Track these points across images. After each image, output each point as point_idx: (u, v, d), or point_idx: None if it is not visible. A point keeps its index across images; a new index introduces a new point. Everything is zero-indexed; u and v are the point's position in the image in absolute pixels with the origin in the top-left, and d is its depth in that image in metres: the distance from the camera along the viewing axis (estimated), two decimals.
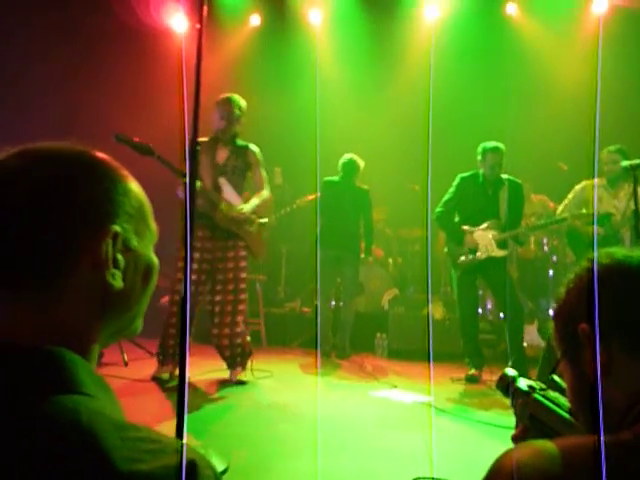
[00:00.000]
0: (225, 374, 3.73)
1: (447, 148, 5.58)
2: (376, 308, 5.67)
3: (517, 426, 1.06)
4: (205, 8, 2.13)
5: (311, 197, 5.59)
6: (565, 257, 5.55)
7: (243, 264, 3.71)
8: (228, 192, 3.67)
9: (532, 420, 1.01)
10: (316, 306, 5.08)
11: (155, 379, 3.52)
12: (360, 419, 3.16)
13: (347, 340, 4.94)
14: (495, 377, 3.67)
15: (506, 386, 1.15)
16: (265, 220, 3.93)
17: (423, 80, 5.32)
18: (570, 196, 4.41)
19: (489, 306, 5.55)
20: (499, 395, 3.42)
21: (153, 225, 0.71)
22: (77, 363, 0.57)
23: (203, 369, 3.83)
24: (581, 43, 5.56)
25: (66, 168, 0.63)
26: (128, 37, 5.62)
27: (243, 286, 3.71)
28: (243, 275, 3.71)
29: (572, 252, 4.92)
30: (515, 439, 1.01)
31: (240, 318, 3.68)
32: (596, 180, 4.33)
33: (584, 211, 4.19)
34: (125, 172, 0.68)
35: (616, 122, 4.99)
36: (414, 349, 4.90)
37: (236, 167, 3.72)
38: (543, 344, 4.71)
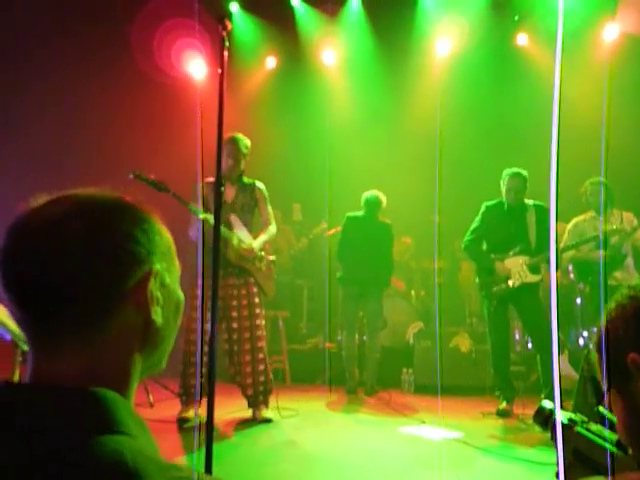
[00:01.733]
0: (248, 413, 3.69)
1: (465, 178, 5.60)
2: (400, 342, 5.58)
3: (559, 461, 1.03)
4: (226, 53, 2.20)
5: (331, 231, 5.62)
6: (586, 286, 5.45)
7: (257, 300, 3.71)
8: (239, 228, 3.71)
9: (576, 454, 0.97)
10: (339, 341, 5.04)
11: (180, 420, 3.49)
12: (389, 457, 3.08)
13: (374, 376, 4.85)
14: (527, 410, 3.59)
15: (545, 419, 1.11)
16: (273, 258, 3.96)
17: (436, 113, 5.40)
18: (565, 236, 4.53)
19: (517, 337, 5.42)
20: (533, 429, 3.32)
21: (177, 262, 0.74)
22: (118, 403, 0.59)
23: (227, 409, 3.78)
24: (593, 71, 5.59)
25: (107, 213, 0.66)
26: (150, 81, 5.83)
27: (259, 322, 3.70)
28: (258, 311, 3.70)
29: (578, 279, 4.93)
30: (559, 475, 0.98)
31: (260, 355, 3.65)
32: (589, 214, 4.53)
33: (614, 227, 4.27)
34: (155, 213, 0.71)
35: (628, 149, 4.98)
36: (442, 384, 4.79)
37: (244, 204, 3.77)
38: (574, 374, 4.59)
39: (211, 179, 3.57)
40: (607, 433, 0.95)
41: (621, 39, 5.67)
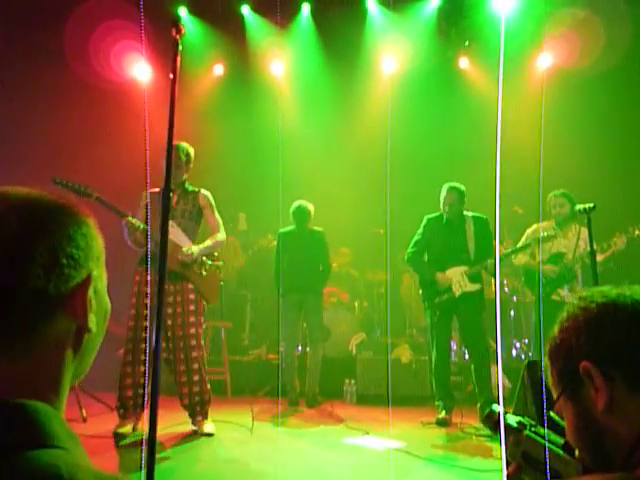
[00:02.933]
0: (188, 426, 3.58)
1: (409, 192, 5.75)
2: (343, 353, 5.62)
3: (508, 464, 1.05)
4: (178, 59, 2.14)
5: (274, 243, 5.61)
6: (525, 297, 5.72)
7: (192, 308, 3.58)
8: (176, 234, 3.57)
9: (525, 457, 1.01)
10: (280, 352, 5.00)
11: (117, 435, 3.32)
12: (334, 468, 3.07)
13: (316, 387, 4.85)
14: (465, 419, 3.70)
15: (495, 423, 1.15)
16: (219, 263, 3.82)
17: (383, 128, 5.55)
18: (523, 239, 4.64)
19: (454, 347, 5.60)
20: (472, 438, 3.43)
21: (105, 269, 0.72)
22: (50, 415, 0.56)
23: (168, 422, 3.66)
24: (528, 95, 5.94)
25: (47, 213, 0.62)
26: (90, 88, 5.63)
27: (193, 331, 3.56)
28: (192, 319, 3.57)
29: (530, 291, 5.10)
30: (509, 477, 1.00)
31: (195, 366, 3.54)
32: (545, 223, 4.60)
33: (545, 234, 4.36)
34: (92, 217, 0.69)
35: (562, 166, 5.32)
36: (383, 394, 4.86)
37: (186, 211, 3.68)
38: (507, 383, 4.78)
39: (155, 189, 3.56)
40: (554, 437, 0.99)
41: (554, 68, 6.06)
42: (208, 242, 3.72)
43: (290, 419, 4.32)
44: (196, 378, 3.54)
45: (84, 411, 3.83)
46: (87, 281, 0.63)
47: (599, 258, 4.41)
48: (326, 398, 4.86)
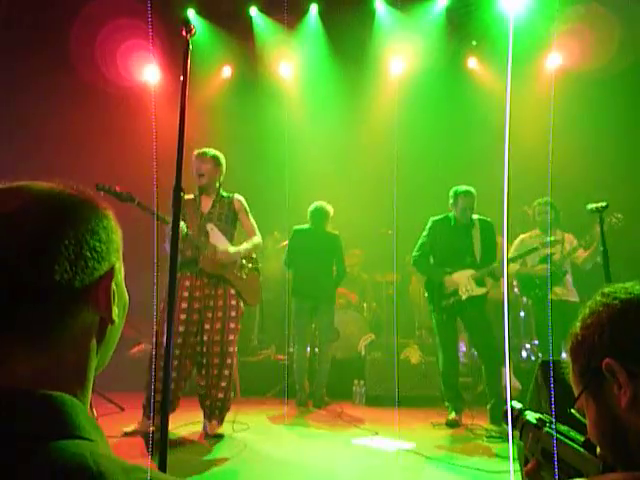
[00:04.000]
0: (199, 427, 3.59)
1: (417, 192, 5.74)
2: (352, 354, 5.61)
3: (527, 461, 1.03)
4: (188, 61, 2.14)
5: (284, 243, 5.60)
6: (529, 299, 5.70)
7: (233, 314, 3.56)
8: (216, 236, 3.59)
9: (545, 455, 0.99)
10: (290, 353, 5.00)
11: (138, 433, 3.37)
12: (343, 468, 3.07)
13: (324, 388, 4.84)
14: (475, 421, 3.68)
15: (513, 420, 1.13)
16: (258, 265, 3.84)
17: (391, 128, 5.54)
18: (512, 250, 4.75)
19: (463, 348, 5.57)
20: (482, 439, 3.41)
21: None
22: (76, 407, 0.57)
23: (180, 422, 3.67)
24: (536, 95, 5.90)
25: (70, 207, 0.63)
26: (98, 89, 5.66)
27: (232, 337, 3.55)
28: (232, 325, 3.55)
29: (526, 297, 5.16)
30: (528, 474, 0.99)
31: (226, 372, 3.52)
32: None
33: (552, 238, 4.47)
34: (111, 210, 0.70)
35: (572, 167, 5.29)
36: (392, 395, 4.84)
37: (222, 214, 3.68)
38: (518, 385, 4.75)
39: (190, 196, 3.62)
40: (574, 434, 0.97)
41: (563, 68, 6.02)
42: (245, 245, 3.71)
43: (299, 420, 4.32)
44: (224, 384, 3.52)
45: (94, 411, 3.85)
46: (110, 273, 0.64)
47: (583, 254, 4.50)
48: (335, 399, 4.86)
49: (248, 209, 3.80)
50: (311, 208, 4.92)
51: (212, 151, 3.69)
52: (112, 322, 0.65)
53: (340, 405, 4.72)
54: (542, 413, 1.11)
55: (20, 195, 0.61)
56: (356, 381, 5.05)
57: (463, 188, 4.28)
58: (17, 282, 0.57)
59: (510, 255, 4.68)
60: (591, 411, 0.81)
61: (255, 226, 3.83)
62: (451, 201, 4.32)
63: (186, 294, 3.49)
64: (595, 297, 0.83)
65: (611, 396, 0.76)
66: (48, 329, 0.59)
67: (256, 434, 3.71)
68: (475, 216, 4.35)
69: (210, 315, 3.53)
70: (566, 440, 0.95)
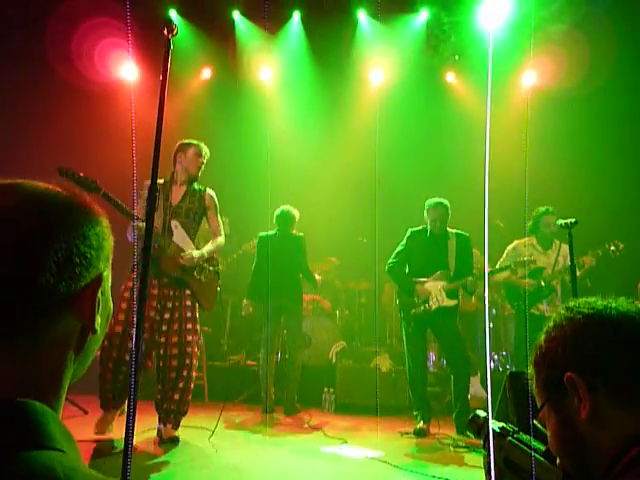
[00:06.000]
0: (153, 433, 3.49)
1: (394, 202, 5.78)
2: (323, 361, 5.60)
3: (489, 467, 1.05)
4: (169, 60, 2.11)
5: (246, 245, 5.58)
6: (504, 310, 5.79)
7: (189, 314, 3.46)
8: (179, 236, 3.47)
9: (507, 463, 1.02)
10: (258, 359, 4.95)
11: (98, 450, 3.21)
12: (312, 476, 3.05)
13: (295, 395, 4.81)
14: (443, 430, 3.71)
15: (478, 428, 1.15)
16: (219, 268, 3.74)
17: (370, 137, 5.58)
18: (504, 256, 4.72)
19: (433, 358, 5.62)
20: (449, 449, 3.43)
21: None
22: (48, 415, 0.55)
23: (141, 427, 3.58)
24: (512, 110, 6.03)
25: (62, 211, 0.61)
26: (75, 88, 5.56)
27: (190, 338, 3.43)
28: (189, 326, 3.45)
29: (509, 304, 5.18)
30: None
31: (184, 373, 3.41)
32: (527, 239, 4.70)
33: (525, 258, 4.46)
34: (104, 215, 0.68)
35: (546, 181, 5.42)
36: (362, 403, 4.85)
37: (190, 210, 3.55)
38: (484, 394, 4.81)
39: (160, 181, 3.26)
40: (536, 443, 0.99)
41: (539, 85, 6.18)
42: (209, 246, 3.61)
43: (267, 427, 4.28)
44: (181, 385, 3.41)
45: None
46: (97, 281, 0.63)
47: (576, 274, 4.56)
48: (304, 406, 4.83)
49: (218, 206, 3.69)
50: (277, 212, 4.94)
51: (195, 141, 3.64)
52: (94, 332, 0.63)
53: (309, 412, 4.70)
54: (507, 423, 1.13)
55: (13, 193, 0.60)
56: (326, 389, 5.04)
57: (435, 200, 4.35)
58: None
59: (500, 263, 4.65)
60: (552, 422, 0.82)
61: (221, 226, 3.71)
62: (425, 213, 4.39)
63: (127, 295, 3.36)
64: (559, 311, 0.85)
65: (572, 408, 0.78)
66: (27, 334, 0.57)
67: (220, 440, 3.65)
68: (452, 230, 4.41)
69: (166, 316, 3.42)
70: (527, 449, 0.98)
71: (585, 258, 4.50)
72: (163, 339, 3.41)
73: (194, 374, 3.54)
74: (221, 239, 3.68)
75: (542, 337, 0.86)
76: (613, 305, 0.81)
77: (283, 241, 4.90)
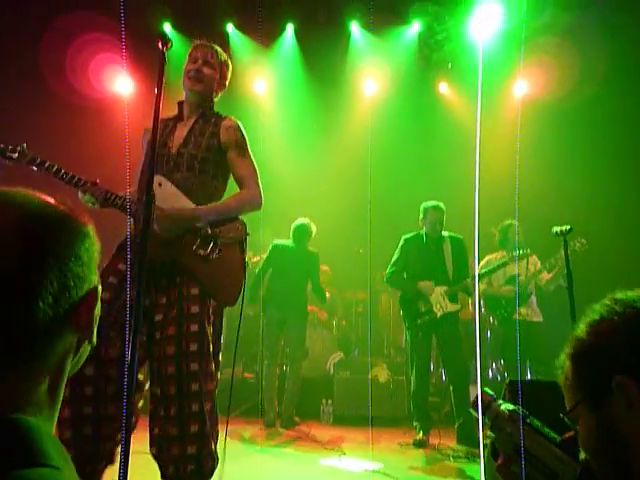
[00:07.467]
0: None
1: (389, 212, 5.80)
2: (321, 372, 5.56)
3: (495, 453, 0.96)
4: (163, 74, 2.09)
5: (254, 259, 5.54)
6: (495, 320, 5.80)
7: (194, 309, 2.09)
8: (165, 194, 2.13)
9: (518, 450, 0.93)
10: (257, 372, 4.92)
11: None
12: None
13: (294, 408, 4.77)
14: (443, 441, 3.68)
15: (484, 408, 1.04)
16: (244, 238, 2.28)
17: (363, 148, 5.61)
18: (479, 268, 4.82)
19: (431, 368, 5.59)
20: (449, 460, 3.41)
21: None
22: (42, 432, 0.54)
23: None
24: (504, 119, 6.08)
25: (53, 232, 0.59)
26: (69, 103, 5.57)
27: (194, 348, 2.05)
28: (194, 328, 2.07)
29: (492, 316, 5.25)
30: (500, 469, 0.93)
31: (195, 407, 2.04)
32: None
33: (521, 251, 4.56)
34: (90, 222, 0.66)
35: (539, 189, 5.46)
36: (360, 415, 4.82)
37: (194, 157, 2.24)
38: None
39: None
40: (547, 430, 0.92)
41: (530, 95, 6.24)
42: (224, 202, 2.27)
43: (266, 440, 4.24)
44: (194, 429, 2.04)
45: None
46: (93, 296, 0.62)
47: (547, 277, 4.64)
48: (303, 418, 4.80)
49: (247, 142, 2.35)
50: (294, 225, 4.92)
51: (223, 53, 2.49)
52: (91, 343, 0.62)
53: (307, 424, 4.66)
54: (498, 440, 1.03)
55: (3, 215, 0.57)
56: (324, 400, 5.00)
57: (432, 203, 4.39)
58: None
59: (481, 272, 4.73)
60: (588, 421, 0.76)
61: (255, 171, 2.34)
62: (421, 216, 4.41)
63: (115, 281, 2.10)
64: (605, 302, 0.77)
65: (616, 411, 0.71)
66: (28, 359, 0.56)
67: (218, 452, 3.60)
68: (445, 233, 4.43)
69: (157, 318, 2.11)
70: (542, 439, 0.91)
71: (559, 254, 4.58)
72: (157, 351, 2.09)
73: (215, 406, 2.21)
74: (249, 193, 2.29)
75: (584, 329, 0.77)
76: None
77: (297, 254, 4.86)
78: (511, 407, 0.97)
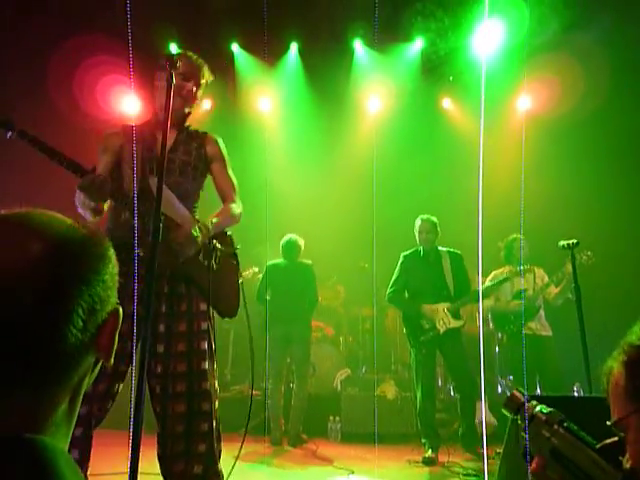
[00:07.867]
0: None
1: (394, 229, 5.80)
2: (328, 389, 5.52)
3: (527, 454, 0.93)
4: (171, 95, 2.10)
5: (246, 272, 5.56)
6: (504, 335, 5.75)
7: (204, 325, 2.14)
8: (169, 205, 2.13)
9: (554, 455, 0.90)
10: (265, 389, 4.90)
11: None
12: None
13: (301, 426, 4.73)
14: (452, 458, 3.64)
15: (517, 408, 1.00)
16: (235, 249, 2.37)
17: (368, 165, 5.63)
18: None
19: (439, 384, 5.55)
20: (459, 477, 3.37)
21: None
22: (57, 451, 0.54)
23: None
24: (508, 134, 6.11)
25: (79, 259, 0.59)
26: (75, 124, 5.64)
27: (205, 366, 2.10)
28: (204, 345, 2.11)
29: (500, 332, 5.21)
30: (534, 473, 0.90)
31: (204, 427, 2.07)
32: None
33: (523, 267, 4.58)
34: (107, 240, 0.66)
35: (544, 203, 5.45)
36: (368, 432, 4.76)
37: (185, 164, 2.29)
38: (493, 421, 4.73)
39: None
40: (584, 434, 0.89)
41: (533, 111, 6.27)
42: (224, 216, 2.32)
43: (274, 459, 4.20)
44: (202, 449, 2.07)
45: None
46: (115, 318, 0.62)
47: (555, 290, 4.61)
48: (310, 436, 4.75)
49: (227, 158, 2.47)
50: (283, 241, 4.95)
51: (193, 55, 2.54)
52: (109, 363, 0.62)
53: (315, 442, 4.62)
54: (510, 457, 0.99)
55: (22, 239, 0.56)
56: (331, 417, 4.96)
57: (421, 216, 4.43)
58: (23, 346, 0.54)
59: (484, 287, 4.73)
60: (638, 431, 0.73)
61: (235, 184, 2.45)
62: (415, 232, 4.42)
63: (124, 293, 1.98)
64: None
65: None
66: (54, 382, 0.57)
67: (225, 471, 3.57)
68: (444, 248, 4.43)
69: (162, 329, 2.10)
70: (581, 444, 0.88)
71: (566, 266, 4.55)
72: (159, 369, 2.09)
73: (218, 424, 2.19)
74: (234, 205, 2.37)
75: (638, 329, 0.75)
76: None
77: (291, 269, 4.90)
78: (546, 409, 0.94)
